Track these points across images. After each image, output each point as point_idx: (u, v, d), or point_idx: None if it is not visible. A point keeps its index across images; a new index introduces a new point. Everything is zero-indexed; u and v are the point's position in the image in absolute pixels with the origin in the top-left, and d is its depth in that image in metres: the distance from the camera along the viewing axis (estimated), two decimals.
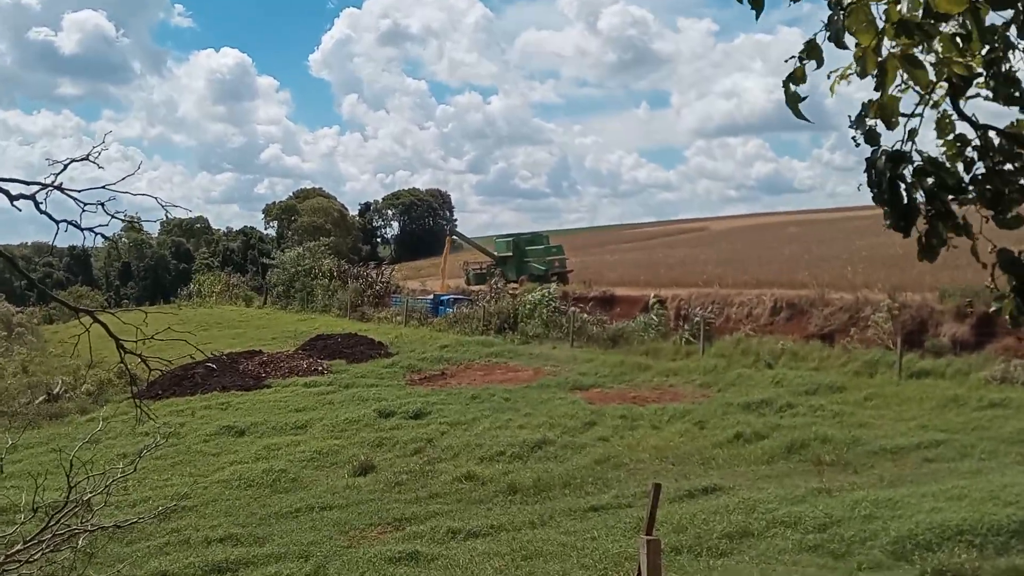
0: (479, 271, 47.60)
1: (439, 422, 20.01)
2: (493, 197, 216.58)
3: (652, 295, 32.28)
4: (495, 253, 47.85)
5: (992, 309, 3.71)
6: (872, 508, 11.35)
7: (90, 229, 4.91)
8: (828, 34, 3.16)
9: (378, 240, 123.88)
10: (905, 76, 3.31)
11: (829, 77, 3.65)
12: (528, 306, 33.82)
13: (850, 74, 3.60)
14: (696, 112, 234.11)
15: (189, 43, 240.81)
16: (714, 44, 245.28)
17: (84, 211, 4.88)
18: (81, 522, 6.00)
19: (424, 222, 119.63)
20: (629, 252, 65.51)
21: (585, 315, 31.38)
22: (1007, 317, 3.54)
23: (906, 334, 21.58)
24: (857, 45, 3.16)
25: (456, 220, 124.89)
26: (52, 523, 5.63)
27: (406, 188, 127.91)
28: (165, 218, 5.09)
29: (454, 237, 56.58)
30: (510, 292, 37.31)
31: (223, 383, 26.29)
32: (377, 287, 48.35)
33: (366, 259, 79.29)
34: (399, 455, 17.81)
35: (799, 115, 3.45)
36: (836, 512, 11.43)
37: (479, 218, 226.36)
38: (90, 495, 5.79)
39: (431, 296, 43.63)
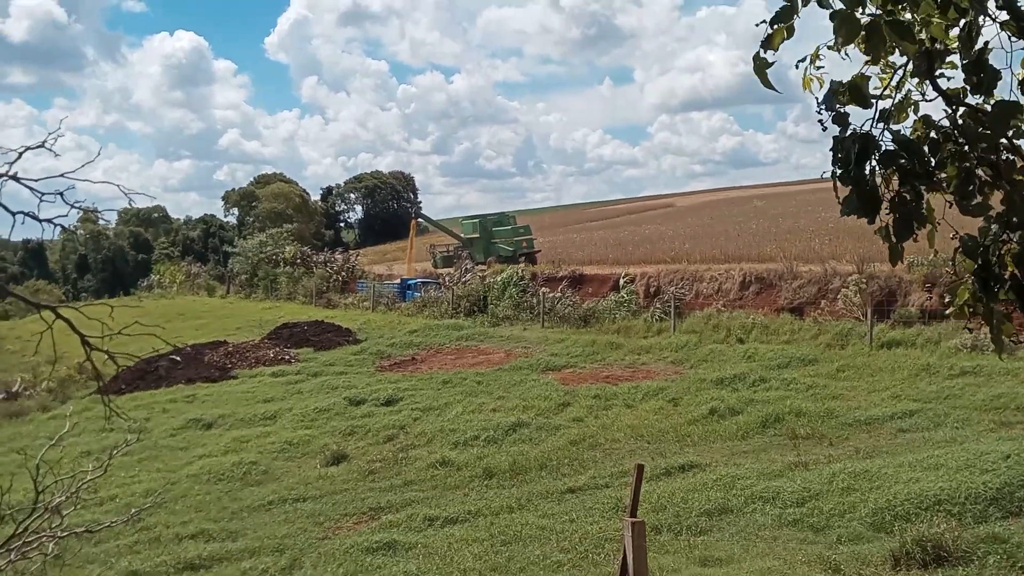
0: (446, 254, 47.26)
1: (411, 408, 19.81)
2: (458, 178, 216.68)
3: (622, 273, 32.25)
4: (461, 235, 47.55)
5: (946, 300, 3.66)
6: (850, 480, 11.36)
7: (48, 220, 4.63)
8: None
9: (342, 225, 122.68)
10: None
11: (798, 67, 3.50)
12: (497, 288, 33.62)
13: (822, 56, 3.46)
14: (660, 87, 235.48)
15: (142, 27, 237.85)
16: (678, 18, 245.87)
17: (42, 201, 4.60)
18: (51, 527, 5.72)
19: (388, 205, 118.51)
20: (596, 230, 65.50)
21: (555, 295, 31.24)
22: (959, 308, 3.46)
23: (875, 304, 21.73)
24: (836, 13, 3.03)
25: (421, 202, 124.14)
26: (20, 530, 5.36)
27: (369, 171, 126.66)
28: (129, 206, 4.81)
29: (419, 220, 56.31)
30: (479, 274, 37.06)
31: (188, 375, 25.86)
32: (342, 273, 47.85)
33: (330, 244, 78.61)
34: (371, 443, 17.61)
35: (767, 84, 3.32)
36: (814, 486, 11.45)
37: (444, 200, 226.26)
38: (58, 499, 5.53)
39: (398, 280, 43.24)
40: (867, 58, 3.15)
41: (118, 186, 4.64)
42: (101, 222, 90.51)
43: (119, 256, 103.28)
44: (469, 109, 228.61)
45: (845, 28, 3.02)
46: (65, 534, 5.60)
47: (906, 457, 12.17)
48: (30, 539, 5.23)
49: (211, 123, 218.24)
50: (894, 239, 3.27)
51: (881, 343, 20.54)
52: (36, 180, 4.49)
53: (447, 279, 38.27)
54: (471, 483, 14.45)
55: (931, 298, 21.76)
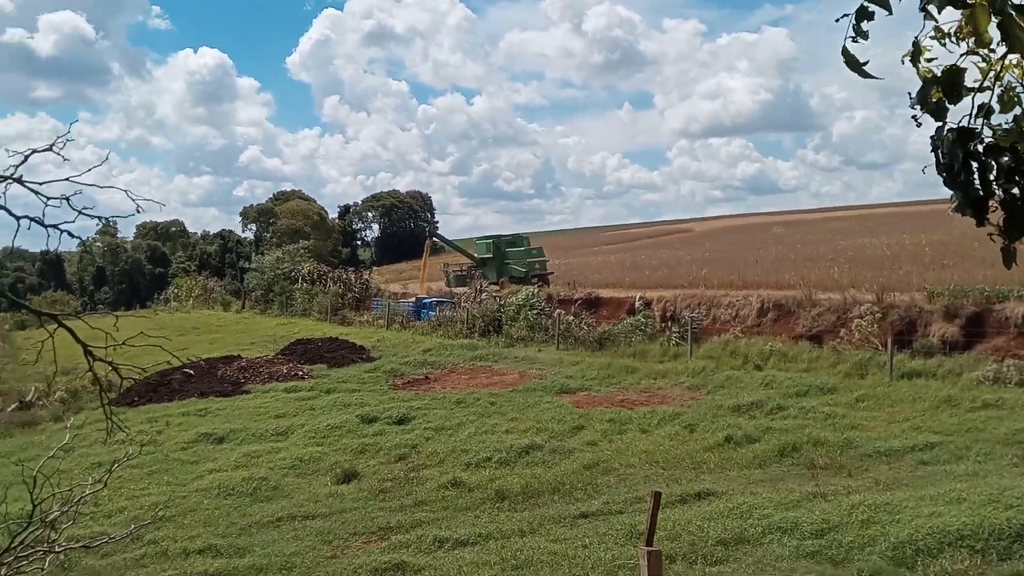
0: (460, 273, 47.28)
1: (423, 427, 19.63)
2: (476, 199, 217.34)
3: (638, 296, 32.02)
4: (475, 255, 47.55)
5: None
6: (870, 513, 11.06)
7: (54, 226, 4.51)
8: None
9: (358, 243, 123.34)
10: (971, 42, 2.93)
11: (904, 62, 3.24)
12: (512, 308, 33.46)
13: (929, 48, 3.16)
14: (680, 113, 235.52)
15: (167, 45, 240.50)
16: (700, 44, 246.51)
17: (47, 206, 4.48)
18: (48, 541, 5.56)
19: (405, 224, 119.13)
20: (613, 253, 65.33)
21: (570, 317, 31.03)
22: None
23: (895, 334, 21.40)
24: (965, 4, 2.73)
25: (438, 222, 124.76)
26: (15, 544, 5.21)
27: (387, 190, 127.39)
28: (137, 212, 4.71)
29: (435, 239, 56.31)
30: (493, 295, 36.93)
31: (201, 389, 25.80)
32: (357, 290, 47.87)
33: (346, 262, 78.81)
34: (383, 462, 17.43)
35: (865, 74, 3.02)
36: (833, 517, 11.14)
37: (461, 220, 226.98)
38: (55, 514, 5.38)
39: (413, 299, 43.19)
40: (963, 51, 2.85)
41: (126, 192, 4.53)
42: (114, 233, 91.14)
43: (136, 269, 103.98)
44: (489, 131, 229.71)
45: (974, 20, 2.70)
46: (61, 548, 5.44)
47: (927, 490, 11.87)
48: (24, 553, 5.07)
49: (232, 139, 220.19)
50: (1005, 240, 3.03)
51: (901, 373, 20.20)
52: (41, 183, 4.37)
53: (462, 298, 38.17)
54: (482, 505, 14.22)
55: (952, 328, 21.43)
